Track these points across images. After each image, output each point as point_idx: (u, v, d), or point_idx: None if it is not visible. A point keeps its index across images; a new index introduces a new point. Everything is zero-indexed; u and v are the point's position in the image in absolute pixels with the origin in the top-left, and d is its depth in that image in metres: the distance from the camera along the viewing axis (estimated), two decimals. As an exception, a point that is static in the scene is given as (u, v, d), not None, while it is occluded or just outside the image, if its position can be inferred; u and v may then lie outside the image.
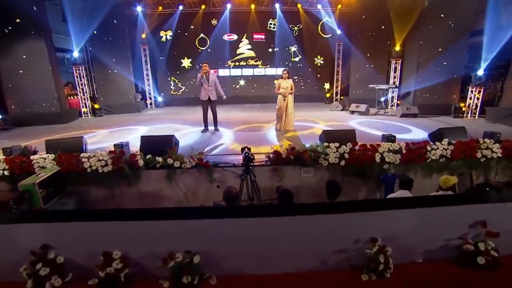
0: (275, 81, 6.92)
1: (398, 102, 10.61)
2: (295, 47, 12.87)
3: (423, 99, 9.28)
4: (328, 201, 3.14)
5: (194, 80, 11.38)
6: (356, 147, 4.40)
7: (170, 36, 12.36)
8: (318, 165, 4.35)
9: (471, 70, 8.76)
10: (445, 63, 8.79)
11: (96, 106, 10.38)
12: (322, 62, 13.08)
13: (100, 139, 6.88)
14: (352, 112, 9.44)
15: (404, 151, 4.45)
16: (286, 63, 12.94)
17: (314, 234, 2.34)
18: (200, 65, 6.88)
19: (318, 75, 13.22)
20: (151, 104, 12.87)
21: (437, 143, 4.58)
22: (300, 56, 12.98)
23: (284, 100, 6.72)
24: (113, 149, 4.58)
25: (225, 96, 7.06)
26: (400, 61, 10.21)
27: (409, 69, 9.77)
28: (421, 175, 4.56)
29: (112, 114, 10.74)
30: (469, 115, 8.56)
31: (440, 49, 8.76)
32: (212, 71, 6.93)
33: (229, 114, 9.92)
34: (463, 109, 8.65)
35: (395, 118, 8.72)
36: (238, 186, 3.84)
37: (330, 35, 12.61)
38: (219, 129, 7.22)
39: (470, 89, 8.50)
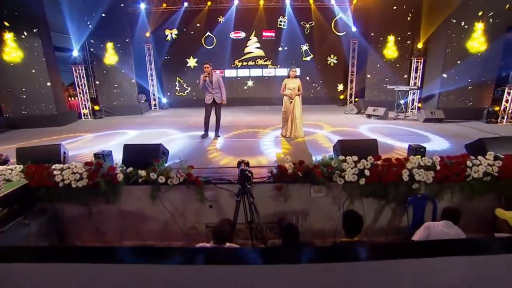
0: (285, 80, 6.17)
1: (419, 105, 9.67)
2: (306, 45, 12.09)
3: (449, 101, 8.31)
4: (346, 240, 2.39)
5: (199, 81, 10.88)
6: (379, 162, 3.61)
7: (176, 34, 11.83)
8: (332, 183, 3.59)
9: (507, 69, 7.75)
10: (479, 61, 7.82)
11: (96, 107, 9.92)
12: (335, 61, 12.24)
13: (83, 145, 6.33)
14: (369, 116, 8.57)
15: (438, 167, 3.62)
16: (293, 62, 12.17)
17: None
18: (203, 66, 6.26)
19: (331, 76, 12.38)
20: (155, 105, 12.36)
21: (479, 157, 3.73)
22: (311, 56, 12.19)
23: (291, 102, 5.98)
24: (93, 158, 3.97)
25: (225, 101, 6.32)
26: (422, 60, 9.26)
27: (433, 68, 8.82)
28: (458, 198, 3.72)
29: (113, 116, 10.27)
30: (504, 120, 7.54)
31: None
32: (217, 71, 6.27)
33: (234, 117, 9.25)
34: (498, 113, 7.64)
35: (416, 124, 7.79)
36: (234, 209, 3.14)
37: (344, 33, 11.76)
38: (220, 135, 6.53)
39: (506, 91, 7.49)
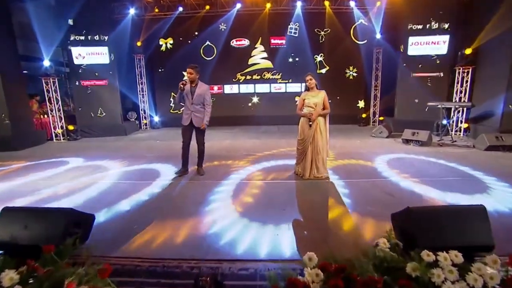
0: (303, 94, 4.30)
1: (465, 125, 7.67)
2: (321, 56, 10.40)
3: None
4: None
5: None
6: None
7: (171, 44, 10.38)
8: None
9: None
10: None
11: (70, 127, 8.33)
12: (355, 74, 10.46)
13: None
14: (406, 141, 6.60)
15: None
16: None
17: None
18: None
19: (350, 91, 10.57)
20: (146, 124, 10.76)
21: None
22: (327, 67, 10.47)
23: (311, 126, 4.11)
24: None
25: (206, 125, 4.41)
26: (470, 70, 7.36)
27: (488, 80, 6.91)
28: None
29: (92, 137, 8.66)
30: None
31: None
32: (206, 86, 4.38)
33: (233, 141, 7.45)
34: None
35: (472, 154, 5.77)
36: None
37: (365, 41, 10.04)
38: (204, 174, 4.62)
39: None
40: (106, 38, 8.47)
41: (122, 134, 9.02)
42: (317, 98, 4.07)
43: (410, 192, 3.70)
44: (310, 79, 4.09)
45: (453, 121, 7.57)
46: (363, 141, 7.20)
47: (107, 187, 4.11)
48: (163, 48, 10.44)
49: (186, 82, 4.19)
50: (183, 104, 4.35)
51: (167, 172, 4.80)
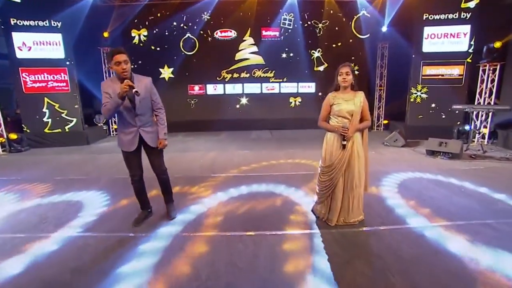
0: (330, 96, 2.85)
1: (485, 130, 6.61)
2: (319, 51, 9.16)
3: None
4: None
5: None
6: None
7: (145, 36, 8.83)
8: None
9: None
10: None
11: (13, 136, 6.64)
12: (356, 72, 9.20)
13: None
14: (432, 153, 5.42)
15: None
16: (306, 72, 9.23)
17: None
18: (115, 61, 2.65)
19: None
20: (116, 130, 9.13)
21: None
22: (325, 64, 9.24)
23: (344, 148, 2.69)
24: None
25: (165, 141, 2.87)
26: (498, 66, 6.29)
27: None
28: None
29: (45, 148, 7.01)
30: None
31: None
32: (147, 79, 2.81)
33: (220, 153, 6.02)
34: None
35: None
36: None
37: (368, 35, 8.88)
38: (176, 216, 3.10)
39: None
40: (59, 24, 6.83)
41: (84, 143, 7.42)
42: (354, 104, 2.69)
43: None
44: (347, 73, 2.69)
45: (476, 127, 6.47)
46: (377, 151, 5.97)
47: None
48: (135, 40, 8.87)
49: (128, 83, 2.46)
50: (118, 115, 2.69)
51: (94, 204, 3.44)
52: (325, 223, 2.86)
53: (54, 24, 6.75)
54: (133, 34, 8.81)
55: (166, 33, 8.85)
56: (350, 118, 2.69)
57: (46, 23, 6.68)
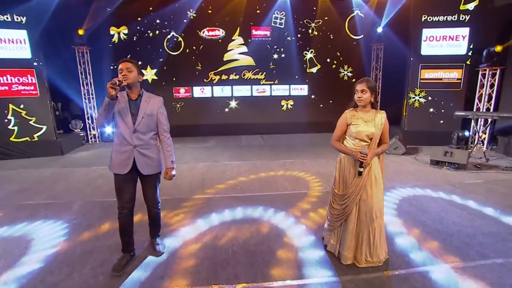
0: (348, 114, 2.39)
1: (483, 135, 6.44)
2: (311, 52, 8.76)
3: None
4: None
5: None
6: None
7: (125, 34, 8.12)
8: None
9: None
10: None
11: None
12: (350, 74, 8.97)
13: None
14: (437, 163, 5.13)
15: None
16: (296, 76, 8.82)
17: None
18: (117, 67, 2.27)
19: (344, 94, 9.03)
20: (95, 137, 8.39)
21: None
22: (318, 66, 8.86)
23: (360, 175, 2.27)
24: None
25: (173, 170, 2.41)
26: (498, 71, 6.09)
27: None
28: None
29: (9, 160, 6.22)
30: None
31: None
32: (158, 98, 2.43)
33: (212, 166, 5.48)
34: None
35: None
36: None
37: (362, 36, 8.58)
38: (163, 251, 2.60)
39: None
40: (23, 19, 6.04)
41: (57, 153, 6.66)
42: (375, 126, 2.28)
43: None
44: (363, 91, 2.27)
45: (476, 133, 6.27)
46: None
47: None
48: (115, 39, 8.14)
49: (120, 82, 2.11)
50: (106, 125, 2.28)
51: (46, 241, 2.79)
52: (334, 255, 2.47)
53: (17, 19, 5.95)
54: (112, 32, 8.08)
55: (149, 32, 8.18)
56: (369, 142, 2.28)
57: (7, 18, 5.88)
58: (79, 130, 8.24)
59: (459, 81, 6.68)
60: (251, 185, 4.36)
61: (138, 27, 8.12)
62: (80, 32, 7.59)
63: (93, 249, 2.66)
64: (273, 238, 2.82)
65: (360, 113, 2.33)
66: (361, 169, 2.22)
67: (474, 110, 6.42)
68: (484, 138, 6.40)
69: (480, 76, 6.35)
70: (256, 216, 3.30)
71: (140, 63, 8.22)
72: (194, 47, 8.34)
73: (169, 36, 8.25)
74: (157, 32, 8.16)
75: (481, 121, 6.33)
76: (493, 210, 3.36)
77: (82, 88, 8.00)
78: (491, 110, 6.20)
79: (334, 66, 8.84)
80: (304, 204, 3.61)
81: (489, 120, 6.14)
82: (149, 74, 8.42)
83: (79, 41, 7.68)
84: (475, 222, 3.08)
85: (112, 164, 2.32)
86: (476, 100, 6.44)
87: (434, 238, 2.78)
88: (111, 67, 8.26)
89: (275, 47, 8.57)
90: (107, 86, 2.05)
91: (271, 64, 8.60)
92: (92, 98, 8.16)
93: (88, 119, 8.24)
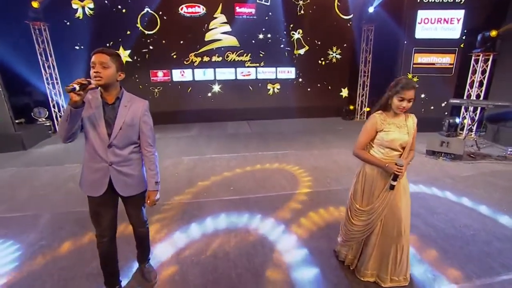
0: (378, 118, 2.00)
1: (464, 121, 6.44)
2: (299, 33, 8.22)
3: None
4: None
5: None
6: None
7: (91, 9, 7.10)
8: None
9: None
10: None
11: None
12: (338, 57, 8.59)
13: None
14: (433, 153, 5.01)
15: None
16: (286, 54, 8.31)
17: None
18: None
19: (333, 77, 8.72)
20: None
21: None
22: (306, 47, 8.37)
23: (392, 188, 1.92)
24: None
25: (155, 192, 1.88)
26: (491, 57, 5.96)
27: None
28: None
29: (-39, 157, 5.37)
30: None
31: None
32: (142, 102, 1.88)
33: (197, 161, 4.99)
34: None
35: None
36: None
37: (352, 15, 8.14)
38: (156, 281, 2.16)
39: None
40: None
41: (18, 148, 5.86)
42: (408, 133, 1.96)
43: None
44: (411, 100, 1.94)
45: (468, 119, 6.22)
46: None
47: None
48: (79, 14, 7.11)
49: (86, 84, 1.48)
50: (73, 138, 1.64)
51: None
52: (348, 268, 2.26)
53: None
54: (74, 6, 7.04)
55: (119, 7, 7.21)
56: (401, 151, 1.95)
57: None
58: (43, 120, 7.34)
59: (451, 66, 6.52)
60: (246, 185, 3.98)
61: (105, 1, 7.12)
62: (35, 4, 6.51)
63: (66, 282, 2.20)
64: (264, 259, 2.50)
65: (392, 118, 1.99)
66: (394, 183, 1.90)
67: (465, 97, 6.33)
68: (474, 125, 6.38)
69: (472, 61, 6.20)
70: (254, 226, 2.95)
71: (111, 43, 7.35)
72: (172, 26, 7.50)
73: (143, 12, 7.34)
74: (129, 7, 7.21)
75: (471, 108, 6.28)
76: (499, 210, 3.24)
77: (43, 71, 7.01)
78: (481, 97, 6.12)
79: (321, 47, 8.39)
80: (312, 214, 3.31)
81: (479, 108, 6.09)
82: (122, 55, 7.51)
83: (33, 15, 6.61)
84: (487, 225, 2.93)
85: (83, 184, 1.82)
86: (468, 86, 6.33)
87: (452, 246, 2.59)
88: (76, 47, 7.29)
89: (261, 26, 7.93)
90: (71, 85, 1.43)
91: (253, 41, 7.97)
92: (57, 83, 7.22)
93: (54, 106, 7.34)
